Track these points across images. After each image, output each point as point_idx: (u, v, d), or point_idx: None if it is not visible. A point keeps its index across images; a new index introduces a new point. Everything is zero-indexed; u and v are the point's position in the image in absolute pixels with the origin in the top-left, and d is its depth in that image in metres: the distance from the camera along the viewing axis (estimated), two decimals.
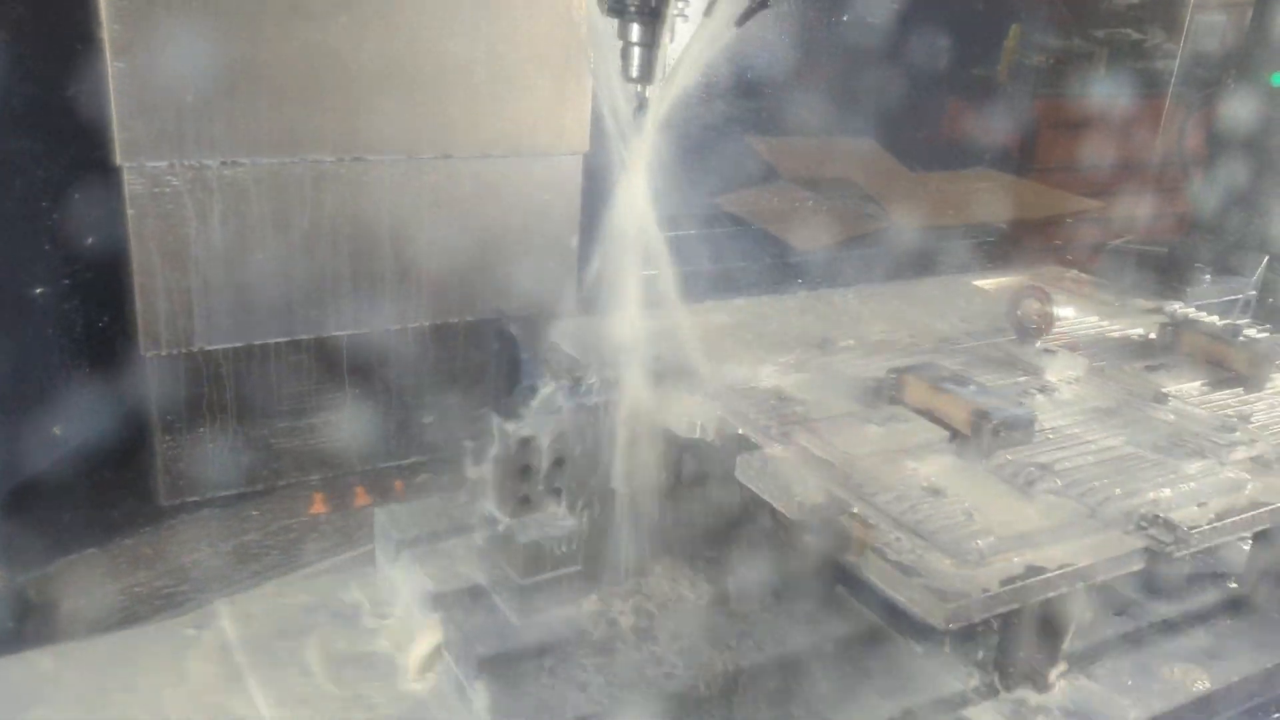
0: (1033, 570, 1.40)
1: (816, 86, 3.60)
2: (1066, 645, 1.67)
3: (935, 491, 1.52)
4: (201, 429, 2.27)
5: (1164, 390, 1.90)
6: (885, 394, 1.79)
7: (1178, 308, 2.32)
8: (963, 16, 4.90)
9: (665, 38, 1.55)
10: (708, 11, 1.56)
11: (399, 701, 1.66)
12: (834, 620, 1.74)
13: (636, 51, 1.56)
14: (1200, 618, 1.93)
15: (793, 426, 1.67)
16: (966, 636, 1.74)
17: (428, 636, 1.68)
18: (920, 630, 1.75)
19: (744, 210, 3.38)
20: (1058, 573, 1.40)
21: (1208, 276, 2.53)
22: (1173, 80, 5.16)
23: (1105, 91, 5.16)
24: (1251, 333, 2.16)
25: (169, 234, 2.14)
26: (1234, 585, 2.00)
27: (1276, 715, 1.84)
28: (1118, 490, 1.56)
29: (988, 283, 2.56)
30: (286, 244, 2.25)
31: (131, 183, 2.09)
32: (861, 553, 1.43)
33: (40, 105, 2.07)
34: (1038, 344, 2.04)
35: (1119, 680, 1.73)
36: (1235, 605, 1.96)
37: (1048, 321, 2.04)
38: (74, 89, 2.06)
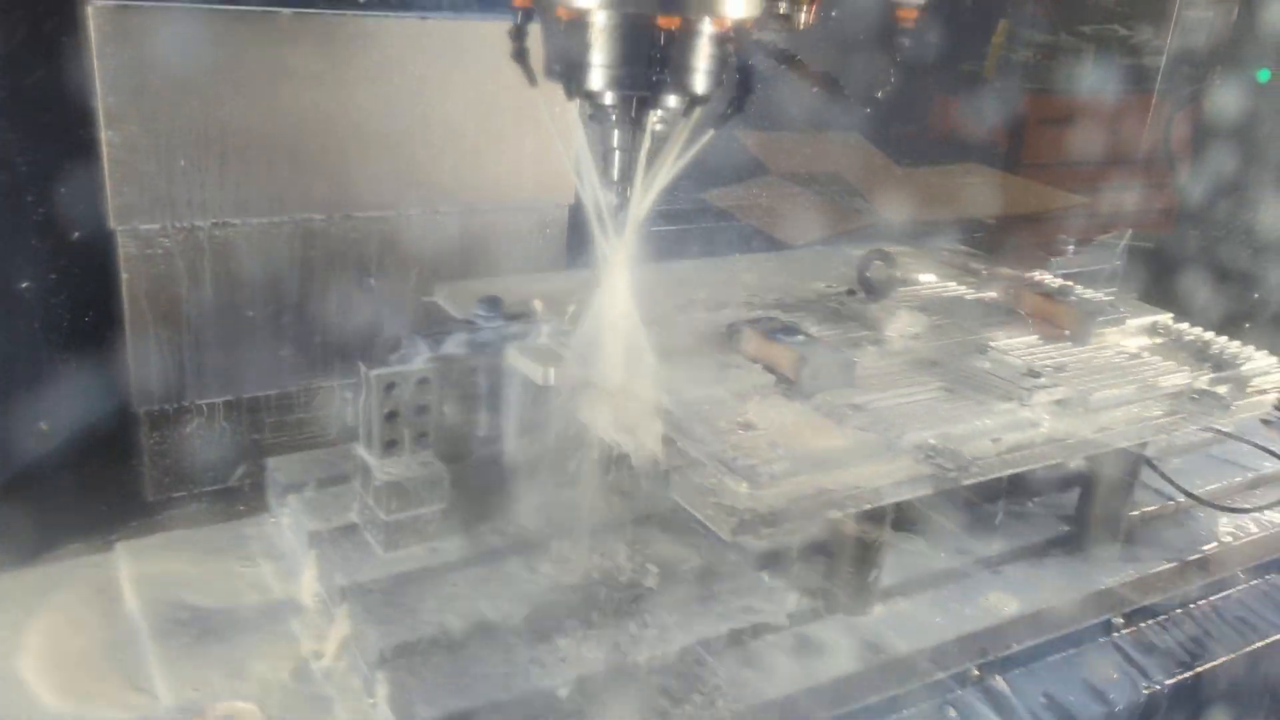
0: (821, 492, 1.56)
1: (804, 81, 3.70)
2: (877, 575, 1.83)
3: (748, 426, 1.68)
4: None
5: (989, 344, 2.06)
6: (727, 345, 1.95)
7: (1034, 275, 2.48)
8: (950, 12, 5.00)
9: (645, 141, 1.64)
10: (685, 115, 1.66)
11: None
12: (686, 551, 1.91)
13: (617, 155, 1.67)
14: (1032, 554, 2.09)
15: (636, 373, 1.82)
16: (804, 565, 1.91)
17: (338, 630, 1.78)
18: (765, 561, 1.92)
19: (731, 205, 3.52)
20: (842, 493, 1.56)
21: (1072, 246, 2.68)
22: (1159, 76, 5.27)
23: (1092, 87, 5.28)
24: (1086, 294, 2.32)
25: (161, 294, 2.23)
26: (1065, 529, 2.17)
27: (1091, 643, 2.02)
28: (919, 426, 1.72)
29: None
30: (277, 300, 2.34)
31: (125, 245, 2.17)
32: (673, 478, 1.59)
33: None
34: (882, 303, 2.19)
35: (936, 606, 1.89)
36: (1066, 543, 2.13)
37: (891, 283, 2.20)
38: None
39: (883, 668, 1.76)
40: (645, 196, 1.69)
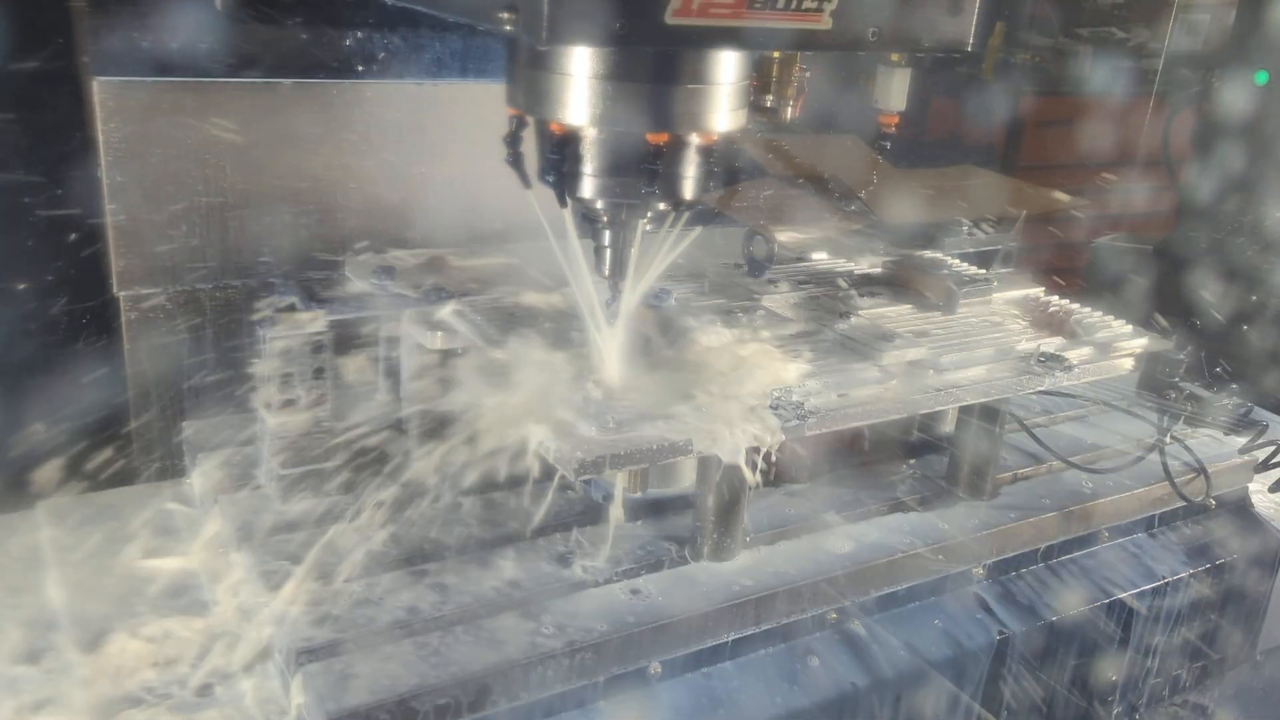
0: (663, 438, 1.69)
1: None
2: (742, 522, 1.96)
3: (599, 384, 1.81)
4: None
5: (855, 311, 2.19)
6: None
7: (922, 253, 2.61)
8: None
9: (635, 240, 1.75)
10: (674, 221, 1.78)
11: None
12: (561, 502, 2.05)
13: (609, 252, 1.78)
14: (898, 508, 2.21)
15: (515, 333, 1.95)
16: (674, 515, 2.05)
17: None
18: (634, 511, 2.05)
19: (726, 206, 3.62)
20: (681, 440, 1.69)
21: (966, 227, 2.80)
22: (1157, 78, 5.33)
23: (1090, 89, 5.35)
24: (964, 269, 2.46)
25: (162, 355, 2.30)
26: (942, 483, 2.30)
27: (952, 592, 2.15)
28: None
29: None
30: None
31: (128, 310, 2.25)
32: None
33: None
34: (764, 276, 2.33)
35: (793, 551, 2.02)
36: (934, 499, 2.26)
37: (770, 258, 2.33)
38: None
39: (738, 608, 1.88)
40: (635, 289, 1.81)
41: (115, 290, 2.24)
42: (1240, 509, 2.63)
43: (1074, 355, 2.12)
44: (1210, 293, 2.91)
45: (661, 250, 1.83)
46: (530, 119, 1.67)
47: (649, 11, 1.33)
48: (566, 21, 1.28)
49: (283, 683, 1.68)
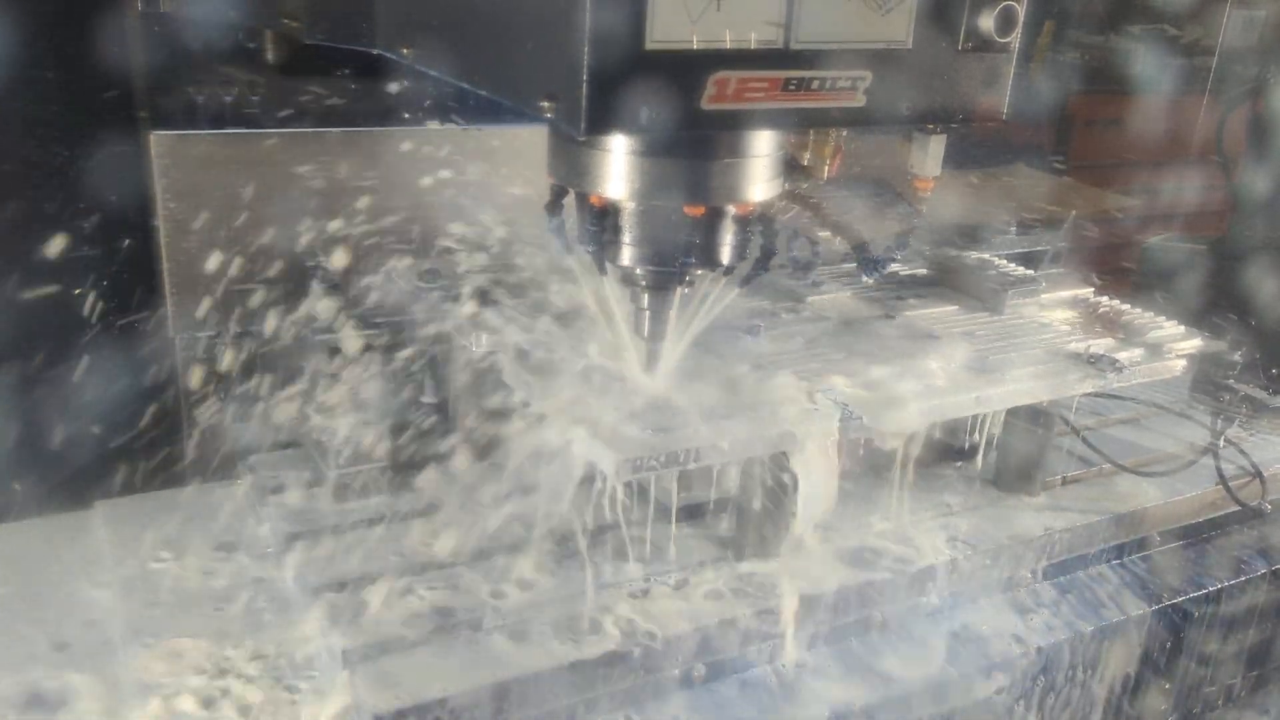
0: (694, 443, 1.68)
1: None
2: (793, 524, 1.94)
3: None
4: None
5: (900, 312, 2.17)
6: None
7: (972, 254, 2.58)
8: None
9: (674, 303, 1.78)
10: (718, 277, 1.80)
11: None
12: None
13: (648, 315, 1.79)
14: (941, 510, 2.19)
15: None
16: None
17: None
18: (683, 515, 2.05)
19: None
20: (707, 446, 1.68)
21: (1013, 229, 2.78)
22: (1210, 75, 5.26)
23: (1142, 87, 5.28)
24: (1011, 269, 2.43)
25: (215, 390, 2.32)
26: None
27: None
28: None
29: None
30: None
31: (183, 350, 2.30)
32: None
33: None
34: (810, 277, 2.32)
35: (835, 551, 2.01)
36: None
37: (814, 260, 2.32)
38: None
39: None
40: (674, 350, 1.83)
41: (171, 333, 2.28)
42: None
43: (1124, 356, 2.09)
44: (1267, 291, 2.85)
45: (701, 310, 1.86)
46: (570, 189, 1.70)
47: (685, 100, 1.34)
48: (605, 113, 1.29)
49: None
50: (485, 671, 1.66)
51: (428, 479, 2.05)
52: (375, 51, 1.71)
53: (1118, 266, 3.34)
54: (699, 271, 1.76)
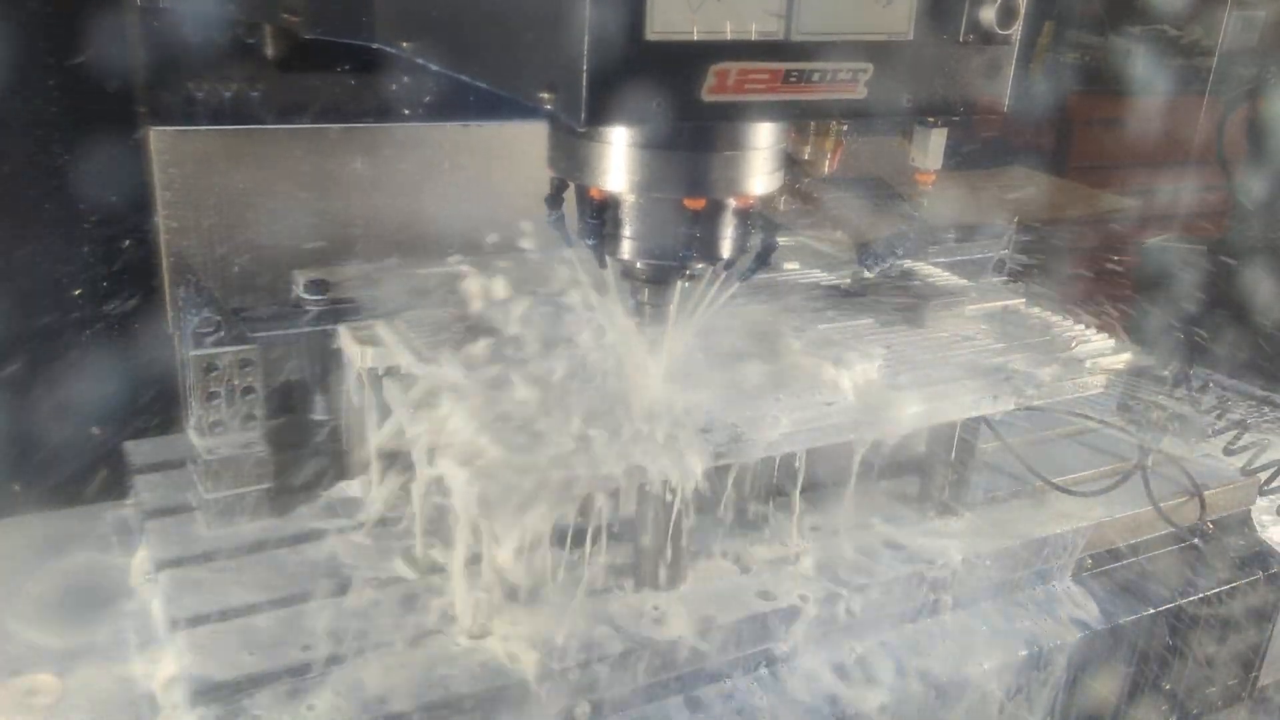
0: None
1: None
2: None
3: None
4: None
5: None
6: None
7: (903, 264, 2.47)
8: None
9: (674, 296, 1.77)
10: (721, 274, 1.78)
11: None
12: None
13: (648, 309, 1.79)
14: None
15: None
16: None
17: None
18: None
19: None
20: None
21: (951, 236, 2.70)
22: (1211, 76, 5.26)
23: (1141, 88, 5.28)
24: (938, 278, 2.39)
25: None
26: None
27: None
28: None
29: None
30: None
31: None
32: None
33: None
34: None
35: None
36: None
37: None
38: None
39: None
40: (675, 343, 1.81)
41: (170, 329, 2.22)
42: (1242, 531, 2.52)
43: (1044, 372, 2.01)
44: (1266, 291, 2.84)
45: (703, 302, 1.83)
46: (570, 183, 1.69)
47: (685, 91, 1.32)
48: (604, 103, 1.27)
49: None
50: None
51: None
52: (374, 46, 1.70)
53: (1105, 269, 3.31)
54: (698, 268, 1.74)
